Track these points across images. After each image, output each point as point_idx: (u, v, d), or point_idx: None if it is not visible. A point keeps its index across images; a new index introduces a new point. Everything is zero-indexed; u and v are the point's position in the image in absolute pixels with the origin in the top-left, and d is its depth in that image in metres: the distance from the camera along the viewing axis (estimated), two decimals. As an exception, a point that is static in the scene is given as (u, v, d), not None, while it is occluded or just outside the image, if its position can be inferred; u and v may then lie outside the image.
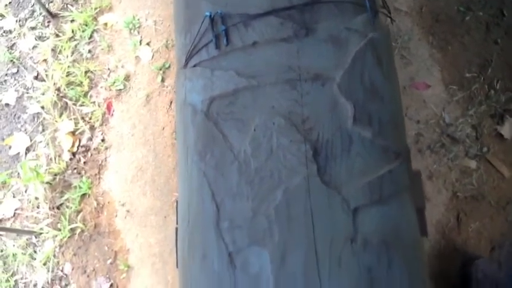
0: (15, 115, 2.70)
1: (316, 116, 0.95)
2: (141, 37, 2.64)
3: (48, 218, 2.48)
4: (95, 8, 2.73)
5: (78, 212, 2.47)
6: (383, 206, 0.95)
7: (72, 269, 2.42)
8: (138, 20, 2.67)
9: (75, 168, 2.54)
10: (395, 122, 1.05)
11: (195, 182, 1.01)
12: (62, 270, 2.42)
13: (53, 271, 2.41)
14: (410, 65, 2.21)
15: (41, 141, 2.63)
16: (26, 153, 2.55)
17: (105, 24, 2.74)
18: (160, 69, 2.53)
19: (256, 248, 0.91)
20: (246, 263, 0.91)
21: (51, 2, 2.79)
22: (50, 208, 2.52)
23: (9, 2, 2.88)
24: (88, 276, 2.41)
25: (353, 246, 0.90)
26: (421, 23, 2.27)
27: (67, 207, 2.46)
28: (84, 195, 2.49)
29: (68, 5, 2.76)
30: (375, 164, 0.96)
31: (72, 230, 2.42)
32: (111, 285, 2.36)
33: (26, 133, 2.64)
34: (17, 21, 2.80)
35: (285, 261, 0.89)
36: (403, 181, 1.00)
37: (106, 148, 2.54)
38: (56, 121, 2.58)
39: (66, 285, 2.42)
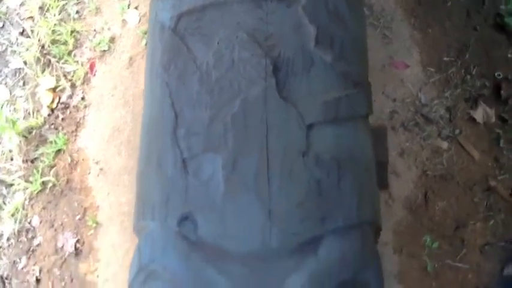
0: (-4, 68, 2.69)
1: (279, 35, 0.98)
2: (130, 1, 2.65)
3: (20, 170, 2.47)
4: (86, -31, 2.73)
5: (52, 167, 2.46)
6: (337, 126, 0.97)
7: (40, 222, 2.41)
8: (128, -16, 2.67)
9: (52, 124, 2.53)
10: (357, 50, 1.08)
11: (158, 93, 1.03)
12: (29, 223, 2.41)
13: (20, 222, 2.40)
14: (391, 45, 2.25)
15: (20, 96, 2.62)
16: (4, 106, 2.54)
17: (95, -14, 2.74)
18: (146, 33, 2.53)
19: (210, 154, 0.92)
20: (198, 169, 0.93)
21: (44, -40, 2.78)
22: (23, 161, 2.51)
23: (1, -42, 2.87)
24: (55, 230, 2.40)
25: (305, 160, 0.92)
26: (404, 5, 2.32)
27: (41, 161, 2.45)
28: (59, 150, 2.48)
29: (60, -36, 2.76)
30: (333, 87, 0.98)
31: (44, 183, 2.41)
32: (78, 240, 2.35)
33: (7, 86, 2.63)
34: (6, -23, 2.79)
35: (236, 168, 0.91)
36: (360, 109, 1.02)
37: (85, 106, 2.54)
38: (38, 77, 2.57)
39: (33, 237, 2.40)
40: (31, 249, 2.42)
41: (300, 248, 0.89)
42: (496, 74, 2.18)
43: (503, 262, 1.97)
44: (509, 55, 2.23)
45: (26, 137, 2.52)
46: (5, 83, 2.65)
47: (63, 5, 2.70)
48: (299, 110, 0.94)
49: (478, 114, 2.14)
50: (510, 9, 2.25)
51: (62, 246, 2.42)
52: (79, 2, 2.71)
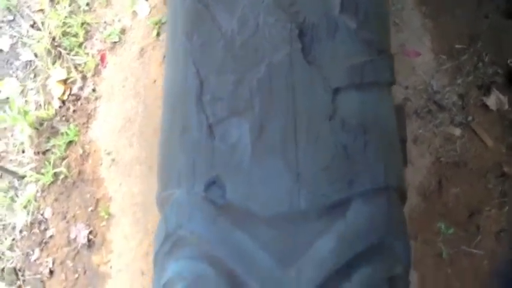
0: (7, 61, 2.70)
1: (304, 1, 0.98)
2: (140, -7, 2.67)
3: (32, 162, 2.47)
4: (97, -38, 2.74)
5: (63, 158, 2.47)
6: (363, 92, 0.97)
7: (53, 214, 2.41)
8: (139, -24, 2.69)
9: (63, 116, 2.54)
10: (380, 19, 1.08)
11: (181, 62, 1.03)
12: (42, 214, 2.41)
13: (33, 214, 2.40)
14: (402, 33, 2.26)
15: (31, 88, 2.63)
16: (15, 99, 2.55)
17: (106, -22, 2.75)
18: (157, 24, 2.55)
19: (236, 119, 0.92)
20: (225, 133, 0.93)
21: (54, -46, 2.80)
22: (35, 153, 2.51)
23: (12, -48, 2.89)
24: (68, 222, 2.40)
25: (331, 124, 0.91)
26: (415, -7, 2.32)
27: (52, 153, 2.46)
28: (70, 142, 2.48)
29: (70, -43, 2.77)
30: (358, 53, 0.98)
31: (56, 175, 2.42)
32: (91, 232, 2.35)
33: (18, 79, 2.64)
34: (17, -30, 2.81)
35: (263, 132, 0.90)
36: (385, 75, 1.02)
37: (96, 98, 2.55)
38: (49, 69, 2.58)
39: (45, 229, 2.40)
40: (44, 241, 2.42)
41: (329, 210, 0.88)
42: (508, 61, 2.18)
43: (518, 248, 1.96)
44: (521, 42, 2.22)
45: (37, 129, 2.53)
46: (16, 76, 2.67)
47: (74, -3, 2.71)
48: (325, 74, 0.94)
49: (491, 101, 2.14)
50: (521, -3, 2.25)
51: (75, 238, 2.42)
52: (89, -9, 2.72)
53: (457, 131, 2.12)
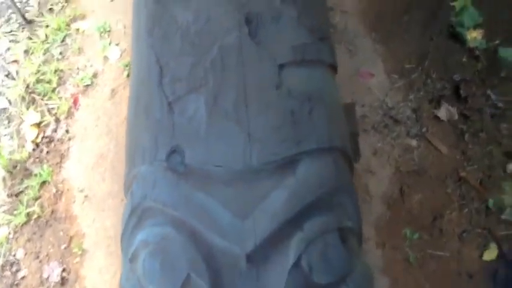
0: (-20, 110, 2.77)
1: None
2: (111, 40, 2.82)
3: (5, 205, 2.49)
4: (69, 16, 2.91)
5: (37, 198, 2.50)
6: (306, 68, 1.10)
7: (25, 255, 2.41)
8: (109, 25, 2.85)
9: (37, 158, 2.60)
10: (318, 8, 1.23)
11: (144, 54, 1.14)
12: (14, 256, 2.40)
13: (4, 256, 2.39)
14: (356, 57, 2.44)
15: (5, 134, 2.69)
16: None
17: (78, 29, 2.92)
18: (127, 66, 2.68)
19: (193, 95, 1.03)
20: (183, 109, 1.03)
21: (28, 11, 2.96)
22: (8, 195, 2.54)
23: (-13, 11, 3.05)
24: (40, 261, 2.39)
25: (278, 92, 1.03)
26: (365, 22, 2.54)
27: (25, 194, 2.49)
28: (44, 182, 2.52)
29: (44, 13, 2.94)
30: (300, 36, 1.12)
31: (29, 215, 2.43)
32: (64, 269, 2.35)
33: (-9, 126, 2.70)
34: (-8, 26, 2.95)
35: (217, 102, 1.01)
36: (325, 56, 1.15)
37: (69, 139, 2.62)
38: (22, 114, 2.66)
39: (17, 270, 2.39)
40: (15, 283, 2.40)
41: (279, 168, 0.97)
42: (454, 77, 2.37)
43: (481, 247, 2.04)
44: (463, 60, 2.42)
45: (10, 171, 2.56)
46: (-10, 123, 2.72)
47: (48, 48, 2.84)
48: (270, 53, 1.06)
49: (442, 112, 2.30)
50: (460, 21, 2.49)
51: (48, 277, 2.40)
52: (62, 44, 2.86)
53: (414, 142, 2.26)
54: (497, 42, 2.42)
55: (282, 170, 0.97)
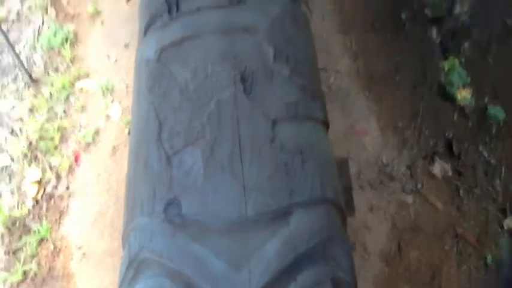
0: (-17, 167, 2.82)
1: (244, 55, 1.21)
2: (113, 98, 2.92)
3: (1, 262, 2.49)
4: (74, 75, 3.03)
5: (34, 256, 2.50)
6: (298, 123, 1.16)
7: (20, 313, 2.38)
8: (112, 84, 2.96)
9: (36, 214, 2.62)
10: (309, 67, 1.31)
11: (144, 110, 1.21)
12: (8, 314, 2.37)
13: (-1, 315, 2.36)
14: (350, 116, 2.52)
15: (6, 191, 2.73)
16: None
17: (81, 88, 3.02)
18: (129, 124, 2.76)
19: (190, 148, 1.08)
20: (181, 161, 1.08)
21: (34, 70, 3.08)
22: (5, 253, 2.54)
23: (-5, 71, 3.17)
24: (36, 320, 2.36)
25: (272, 146, 1.08)
26: (358, 81, 2.64)
27: (23, 251, 2.49)
28: (42, 239, 2.53)
29: (50, 72, 3.06)
30: (293, 94, 1.19)
31: (25, 273, 2.43)
32: (58, 328, 2.31)
33: (-7, 182, 2.74)
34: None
35: (213, 154, 1.06)
36: (317, 113, 1.22)
37: (69, 195, 2.66)
38: (24, 171, 2.71)
39: (12, 329, 2.35)
40: None
41: (274, 219, 1.01)
42: (446, 134, 2.44)
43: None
44: (455, 117, 2.50)
45: (9, 228, 2.58)
46: (-8, 180, 2.76)
47: (51, 106, 2.94)
48: (264, 109, 1.13)
49: (436, 169, 2.35)
50: (450, 81, 2.59)
51: (42, 337, 2.36)
52: (66, 102, 2.95)
53: (409, 198, 2.29)
54: (486, 100, 2.51)
55: (276, 220, 1.00)
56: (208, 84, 1.15)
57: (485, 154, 2.35)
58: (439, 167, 2.34)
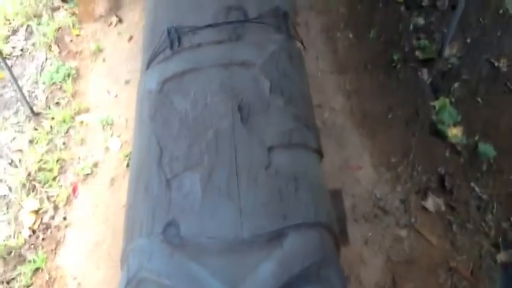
0: (-19, 197, 2.84)
1: (242, 87, 1.28)
2: (113, 132, 2.99)
3: (-5, 292, 2.49)
4: (74, 109, 3.11)
5: (28, 286, 2.50)
6: (292, 150, 1.22)
7: None
8: (112, 119, 3.04)
9: (32, 244, 2.63)
10: (303, 99, 1.38)
11: (145, 138, 1.27)
12: None
13: None
14: (345, 151, 2.59)
15: (3, 220, 2.75)
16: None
17: (82, 122, 3.09)
18: (127, 156, 2.82)
19: (189, 172, 1.14)
20: (180, 185, 1.13)
21: (35, 104, 3.16)
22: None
23: (-3, 104, 3.25)
24: None
25: (267, 172, 1.14)
26: (352, 118, 2.73)
27: (17, 281, 2.49)
28: (37, 269, 2.54)
29: (51, 106, 3.14)
30: (287, 123, 1.26)
31: (18, 303, 2.42)
32: None
33: (-11, 213, 2.76)
34: (1, 118, 3.13)
35: (211, 179, 1.11)
36: (310, 142, 1.28)
37: (66, 226, 2.68)
38: (22, 201, 2.74)
39: None
40: None
41: (268, 241, 1.05)
42: (438, 170, 2.50)
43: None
44: (446, 154, 2.57)
45: (4, 258, 2.58)
46: (-11, 210, 2.79)
47: (51, 138, 2.99)
48: (260, 137, 1.19)
49: (429, 204, 2.40)
50: (441, 119, 2.68)
51: None
52: (66, 135, 3.01)
53: (403, 232, 2.33)
54: (476, 138, 2.59)
55: (271, 242, 1.04)
56: (207, 114, 1.21)
57: (477, 190, 2.41)
58: (432, 202, 2.39)
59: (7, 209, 2.74)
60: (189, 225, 1.05)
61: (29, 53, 3.52)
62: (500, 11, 3.16)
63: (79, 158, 2.90)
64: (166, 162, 1.17)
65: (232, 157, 1.14)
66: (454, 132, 2.57)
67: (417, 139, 2.63)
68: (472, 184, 2.46)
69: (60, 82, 3.29)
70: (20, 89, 2.98)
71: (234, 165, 1.13)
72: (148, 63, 1.46)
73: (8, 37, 3.51)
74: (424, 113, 2.72)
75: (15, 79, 2.93)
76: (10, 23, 3.58)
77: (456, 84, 2.83)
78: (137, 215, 1.14)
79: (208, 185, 1.09)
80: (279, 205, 1.10)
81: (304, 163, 1.23)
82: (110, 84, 3.19)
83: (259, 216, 1.07)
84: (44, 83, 3.31)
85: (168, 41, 1.40)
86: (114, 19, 3.56)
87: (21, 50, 3.56)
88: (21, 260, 2.57)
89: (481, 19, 3.12)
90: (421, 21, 3.17)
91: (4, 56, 3.01)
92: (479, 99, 2.77)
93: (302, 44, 1.60)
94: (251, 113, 1.22)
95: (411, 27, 3.14)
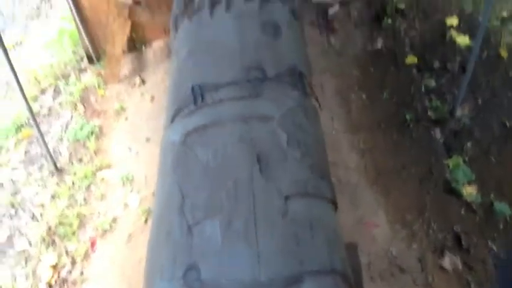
0: (2, 251, 2.91)
1: (260, 139, 1.36)
2: (132, 188, 3.07)
3: None
4: (96, 165, 3.22)
5: None
6: (308, 200, 1.28)
7: None
8: (132, 175, 3.13)
9: (48, 299, 2.66)
10: (318, 151, 1.45)
11: (168, 186, 1.34)
12: None
13: None
14: (359, 209, 2.62)
15: (21, 275, 2.79)
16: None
17: (102, 178, 3.19)
18: (146, 212, 2.88)
19: (209, 220, 1.20)
20: (201, 231, 1.19)
21: (59, 160, 3.29)
22: (11, 338, 2.54)
23: (23, 160, 3.38)
24: None
25: (284, 219, 1.20)
26: (366, 176, 2.78)
27: (29, 335, 2.50)
28: (52, 324, 2.54)
29: (74, 162, 3.26)
30: (303, 173, 1.32)
31: None
32: None
33: (9, 267, 2.82)
34: (26, 173, 3.25)
35: (230, 226, 1.17)
36: (325, 192, 1.34)
37: (83, 281, 2.71)
38: (41, 254, 2.80)
39: None
40: None
41: (285, 285, 1.09)
42: (454, 228, 2.51)
43: None
44: (462, 212, 2.59)
45: (20, 312, 2.60)
46: (8, 263, 2.84)
47: (73, 194, 3.08)
48: (278, 186, 1.26)
49: (446, 262, 2.39)
50: (455, 177, 2.71)
51: None
52: (87, 191, 3.10)
53: (421, 291, 2.31)
54: (491, 196, 2.60)
55: (288, 286, 1.08)
56: (228, 164, 1.29)
57: (495, 248, 2.39)
58: (449, 261, 2.38)
59: (26, 263, 2.79)
60: (209, 269, 1.10)
61: (56, 112, 3.69)
62: (510, 74, 3.28)
63: (99, 213, 2.97)
64: (188, 209, 1.23)
65: (250, 205, 1.20)
66: (469, 191, 2.59)
67: (432, 197, 2.65)
68: (490, 243, 2.45)
69: (84, 139, 3.42)
70: (46, 145, 3.11)
71: (253, 213, 1.19)
72: (173, 118, 1.56)
73: (37, 96, 3.70)
74: (437, 171, 2.76)
75: (42, 136, 3.07)
76: (40, 84, 3.79)
77: (469, 144, 2.88)
78: (158, 259, 1.19)
79: (227, 231, 1.14)
80: (295, 251, 1.14)
81: (319, 212, 1.28)
82: (132, 141, 3.31)
83: (276, 261, 1.11)
84: (68, 140, 3.44)
85: (192, 97, 1.51)
86: (138, 80, 3.75)
87: (49, 108, 3.74)
88: (37, 314, 2.58)
89: (490, 81, 3.23)
90: (432, 83, 3.28)
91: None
92: (492, 158, 2.81)
93: (317, 101, 1.70)
94: (269, 164, 1.30)
95: (423, 88, 3.25)
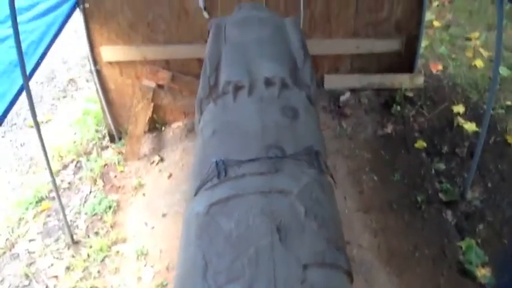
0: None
1: (280, 211, 1.45)
2: (146, 262, 3.11)
3: None
4: (112, 239, 3.28)
5: None
6: (325, 269, 1.34)
7: None
8: (147, 249, 3.19)
9: None
10: (334, 223, 1.53)
11: (191, 253, 1.41)
12: None
13: None
14: (374, 288, 2.63)
15: None
16: None
17: (117, 252, 3.25)
18: (159, 286, 2.90)
19: (232, 284, 1.27)
20: (223, 295, 1.25)
21: (76, 233, 3.36)
22: None
23: (41, 232, 3.47)
24: None
25: (302, 286, 1.26)
26: (379, 256, 2.80)
27: None
28: None
29: (90, 235, 3.33)
30: (320, 244, 1.40)
31: None
32: None
33: None
34: (43, 244, 3.32)
35: None
36: (341, 263, 1.40)
37: None
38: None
39: None
40: None
41: None
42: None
43: None
44: (478, 294, 2.58)
45: None
46: (18, 336, 2.83)
47: (87, 266, 3.12)
48: (296, 255, 1.33)
49: None
50: (468, 259, 2.73)
51: None
52: (101, 264, 3.14)
53: None
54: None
55: None
56: (249, 233, 1.37)
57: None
58: None
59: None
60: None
61: (75, 186, 3.82)
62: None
63: (111, 286, 2.98)
64: (211, 275, 1.29)
65: (271, 272, 1.27)
66: (483, 273, 2.60)
67: (446, 278, 2.65)
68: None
69: (101, 213, 3.51)
70: (66, 218, 3.20)
71: (273, 279, 1.25)
72: (197, 190, 1.66)
73: (59, 171, 3.85)
74: (451, 252, 2.78)
75: (63, 209, 3.17)
76: (62, 159, 3.96)
77: (481, 226, 2.93)
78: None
79: (249, 295, 1.20)
80: (314, 314, 1.19)
81: (336, 281, 1.34)
82: (148, 216, 3.39)
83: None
84: (86, 213, 3.54)
85: (216, 171, 1.62)
86: (157, 158, 3.91)
87: (69, 183, 3.88)
88: None
89: (499, 166, 3.33)
90: (442, 166, 3.39)
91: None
92: (505, 241, 2.84)
93: (332, 178, 1.80)
94: (288, 234, 1.38)
95: (433, 171, 3.35)
